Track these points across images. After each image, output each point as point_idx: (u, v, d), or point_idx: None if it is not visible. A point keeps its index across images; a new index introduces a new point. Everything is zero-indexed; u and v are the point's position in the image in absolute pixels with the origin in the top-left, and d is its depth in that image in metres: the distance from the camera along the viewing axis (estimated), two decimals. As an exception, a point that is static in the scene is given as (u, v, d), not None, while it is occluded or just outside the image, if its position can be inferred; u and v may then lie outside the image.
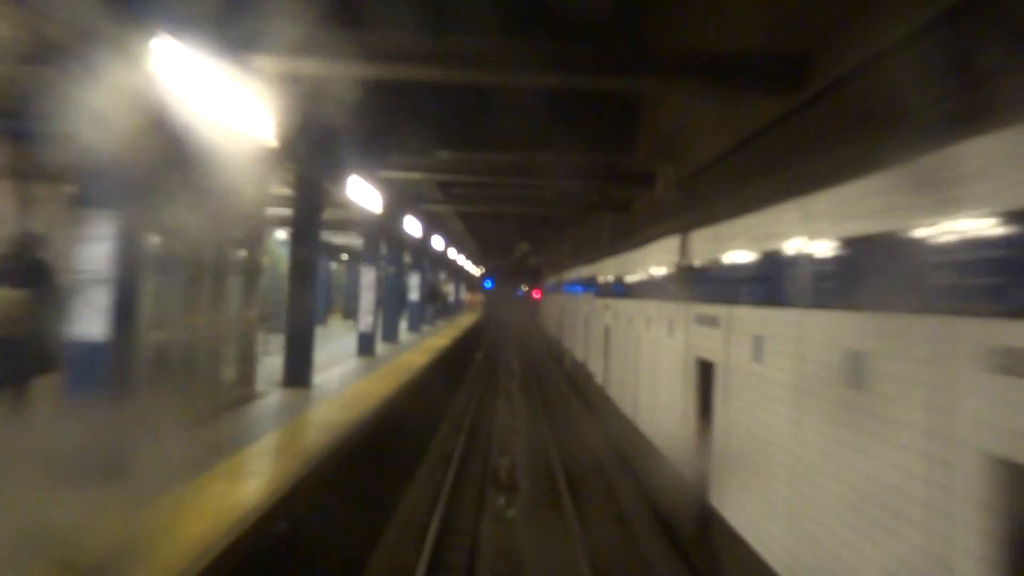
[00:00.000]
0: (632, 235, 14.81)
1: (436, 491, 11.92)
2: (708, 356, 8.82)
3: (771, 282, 6.74)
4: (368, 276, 17.59)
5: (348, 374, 13.78)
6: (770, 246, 6.80)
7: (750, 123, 7.36)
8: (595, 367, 19.84)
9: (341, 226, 19.42)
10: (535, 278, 54.19)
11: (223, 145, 7.86)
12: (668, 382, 10.88)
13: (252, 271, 10.68)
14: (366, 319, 17.34)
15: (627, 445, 13.76)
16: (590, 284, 21.56)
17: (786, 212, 6.52)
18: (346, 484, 8.48)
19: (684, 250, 10.08)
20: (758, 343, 6.98)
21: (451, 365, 21.99)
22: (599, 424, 17.22)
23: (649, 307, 12.70)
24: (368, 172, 11.83)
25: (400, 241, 21.38)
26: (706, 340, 8.96)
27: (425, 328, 28.99)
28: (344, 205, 14.30)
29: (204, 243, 8.88)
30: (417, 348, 20.34)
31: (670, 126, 10.16)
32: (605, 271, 18.48)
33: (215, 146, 7.78)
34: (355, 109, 9.16)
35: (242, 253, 10.33)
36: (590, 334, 21.23)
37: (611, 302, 17.27)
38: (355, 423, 9.21)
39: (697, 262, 9.57)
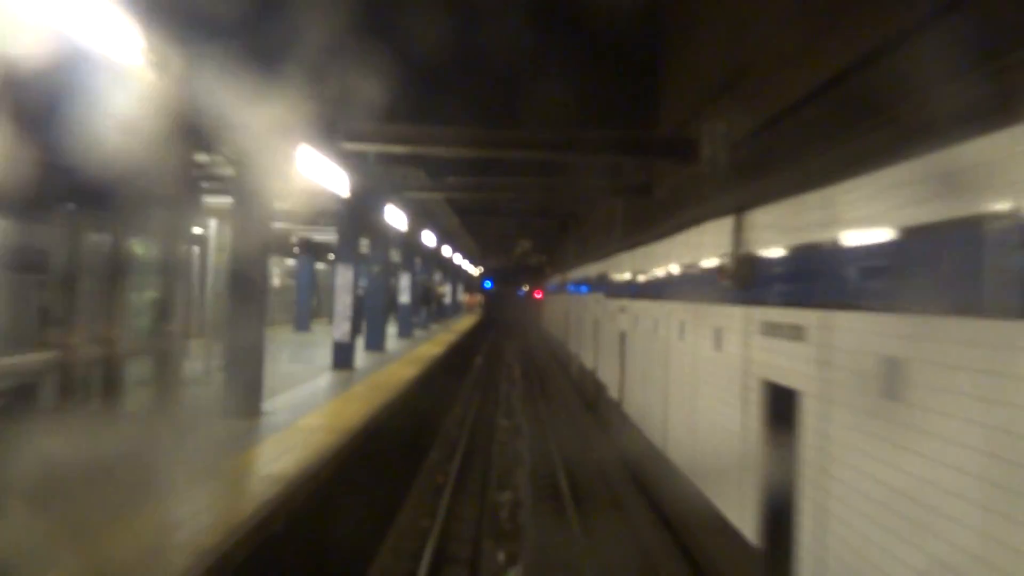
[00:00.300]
0: (655, 224, 12.35)
1: (419, 546, 9.44)
2: (785, 380, 6.36)
3: (926, 275, 4.27)
4: (345, 276, 15.07)
5: (314, 395, 11.32)
6: (928, 219, 4.32)
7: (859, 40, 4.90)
8: (607, 377, 17.35)
9: (312, 219, 16.85)
10: (537, 278, 51.91)
11: (103, 83, 5.47)
12: (717, 408, 8.42)
13: (173, 272, 8.26)
14: (342, 326, 14.79)
15: (658, 482, 11.23)
16: (600, 283, 19.07)
17: (958, 161, 4.07)
18: (285, 556, 6.07)
19: (738, 236, 7.62)
20: (892, 369, 4.52)
21: (445, 376, 19.48)
22: (615, 448, 14.68)
23: (682, 310, 10.24)
24: (326, 143, 9.32)
25: (384, 236, 18.81)
26: (781, 358, 6.50)
27: (418, 333, 26.55)
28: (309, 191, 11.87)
29: (80, 234, 6.45)
30: (406, 358, 17.87)
31: (727, 61, 7.69)
32: (620, 267, 15.97)
33: (92, 84, 5.41)
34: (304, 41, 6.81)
35: (156, 249, 7.90)
36: (601, 339, 18.73)
37: (628, 303, 14.78)
38: (303, 473, 6.79)
39: (762, 250, 7.11)
